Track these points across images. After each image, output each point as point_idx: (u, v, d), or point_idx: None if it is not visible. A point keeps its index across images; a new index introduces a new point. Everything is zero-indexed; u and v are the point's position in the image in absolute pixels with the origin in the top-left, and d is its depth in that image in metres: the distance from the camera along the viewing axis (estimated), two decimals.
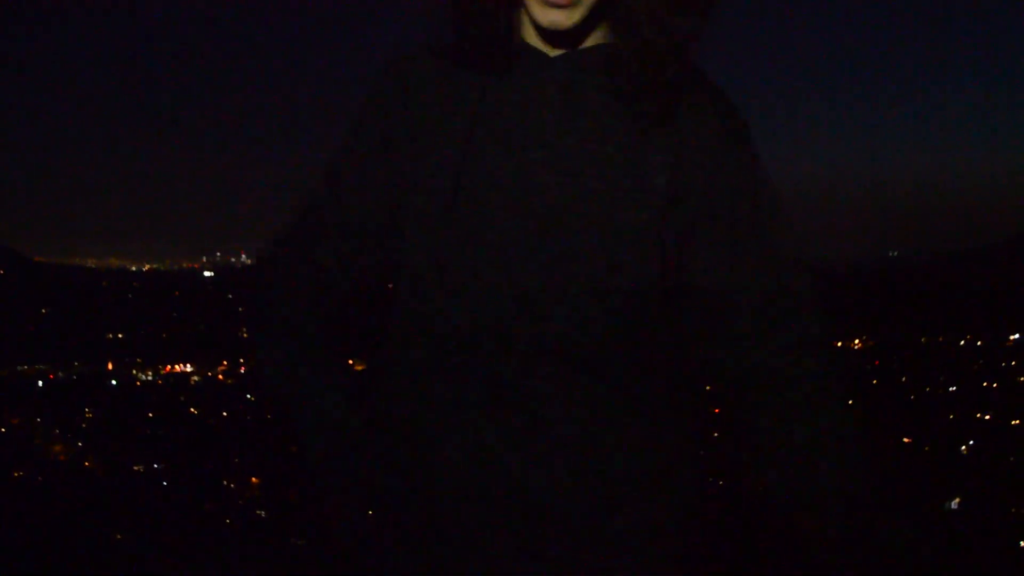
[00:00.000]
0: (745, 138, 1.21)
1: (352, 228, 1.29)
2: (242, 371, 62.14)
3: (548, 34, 1.20)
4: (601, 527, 1.16)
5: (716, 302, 1.21)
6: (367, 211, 1.28)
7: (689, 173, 1.16)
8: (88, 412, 50.11)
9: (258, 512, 36.06)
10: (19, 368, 63.44)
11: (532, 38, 1.22)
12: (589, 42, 1.20)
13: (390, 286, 1.29)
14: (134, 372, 63.16)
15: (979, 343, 61.26)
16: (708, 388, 1.30)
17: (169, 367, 64.04)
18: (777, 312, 1.20)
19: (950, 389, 49.61)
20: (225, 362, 63.85)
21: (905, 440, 41.09)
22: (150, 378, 62.21)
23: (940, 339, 63.26)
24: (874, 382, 52.60)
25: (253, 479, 39.49)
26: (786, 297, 1.20)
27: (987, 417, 43.95)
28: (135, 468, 41.05)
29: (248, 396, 53.35)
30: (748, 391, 1.23)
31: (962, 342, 62.23)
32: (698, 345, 1.24)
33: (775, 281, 1.20)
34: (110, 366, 64.39)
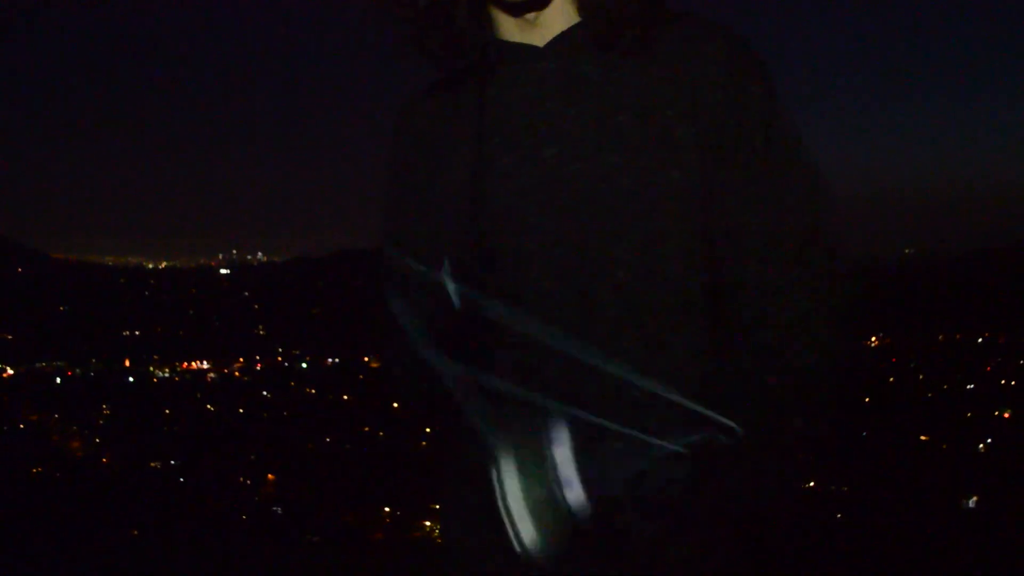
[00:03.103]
0: (756, 73, 1.14)
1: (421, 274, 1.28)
2: (258, 368, 62.39)
3: (524, 24, 1.19)
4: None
5: (727, 244, 1.14)
6: (423, 257, 1.25)
7: (706, 116, 1.11)
8: (105, 409, 50.42)
9: (274, 509, 36.20)
10: (37, 365, 63.81)
11: (513, 35, 1.21)
12: (560, 20, 1.18)
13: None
14: (151, 369, 63.46)
15: (997, 341, 60.94)
16: None
17: (186, 364, 64.32)
18: (780, 255, 1.12)
19: (967, 387, 49.39)
20: (241, 359, 64.13)
21: (922, 438, 40.94)
22: (167, 375, 62.51)
23: (957, 337, 62.96)
24: (891, 380, 52.41)
25: (269, 476, 39.65)
26: (790, 238, 1.12)
27: (1005, 415, 43.73)
28: (152, 464, 41.25)
29: (264, 393, 53.56)
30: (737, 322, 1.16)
31: (979, 340, 61.93)
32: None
33: (780, 222, 1.13)
34: (127, 363, 64.72)
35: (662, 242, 1.10)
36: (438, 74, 1.27)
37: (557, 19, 1.18)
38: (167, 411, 50.07)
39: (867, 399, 47.59)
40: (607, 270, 1.11)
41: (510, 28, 1.20)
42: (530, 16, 1.18)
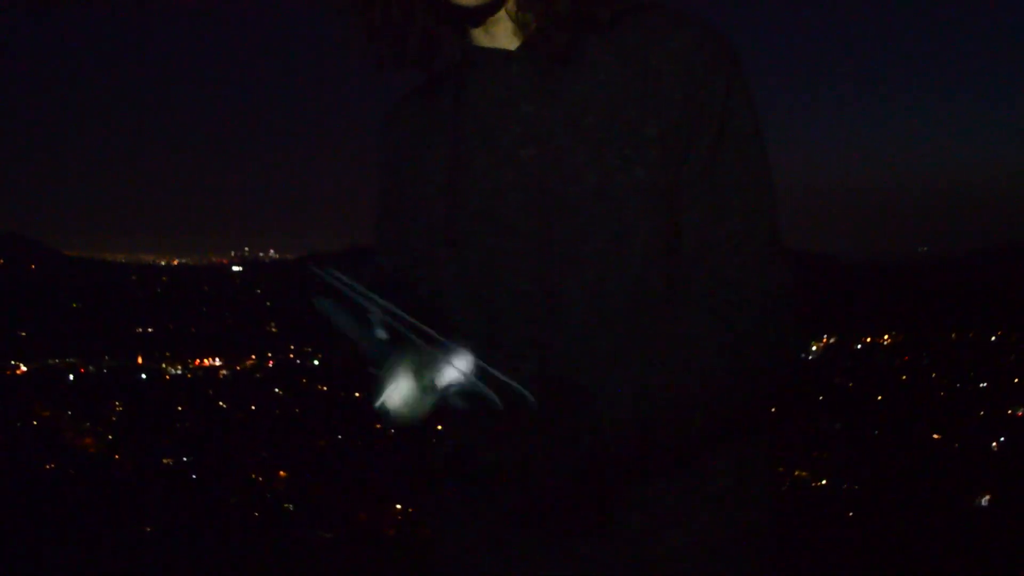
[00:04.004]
0: (717, 67, 1.13)
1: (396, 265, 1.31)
2: (270, 365, 62.50)
3: (488, 29, 1.20)
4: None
5: (680, 241, 1.14)
6: (400, 252, 1.30)
7: (668, 112, 1.12)
8: (118, 405, 50.54)
9: (286, 506, 36.27)
10: (50, 362, 64.00)
11: (483, 40, 1.22)
12: (515, 24, 1.19)
13: None
14: (163, 366, 63.60)
15: (1010, 339, 60.70)
16: None
17: (198, 361, 64.45)
18: (720, 252, 1.13)
19: (980, 385, 49.22)
20: (253, 356, 64.24)
21: (935, 436, 40.83)
22: (179, 372, 62.66)
23: (970, 335, 62.74)
24: (903, 378, 52.27)
25: (281, 472, 39.72)
26: (731, 236, 1.13)
27: (1019, 414, 43.58)
28: (164, 461, 41.37)
29: (276, 390, 53.65)
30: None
31: (993, 337, 61.71)
32: None
33: (722, 219, 1.13)
34: (140, 360, 64.87)
35: (628, 240, 1.11)
36: (420, 78, 1.29)
37: (518, 24, 1.19)
38: (179, 408, 50.19)
39: (880, 396, 47.52)
40: (575, 269, 1.12)
41: (478, 35, 1.22)
42: (490, 25, 1.20)
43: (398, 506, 34.60)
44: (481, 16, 1.19)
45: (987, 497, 32.58)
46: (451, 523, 1.29)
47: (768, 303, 1.13)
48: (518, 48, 1.19)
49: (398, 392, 0.96)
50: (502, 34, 1.20)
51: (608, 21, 1.15)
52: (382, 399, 0.96)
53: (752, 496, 1.21)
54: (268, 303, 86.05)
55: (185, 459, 41.31)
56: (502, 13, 1.18)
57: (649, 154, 1.11)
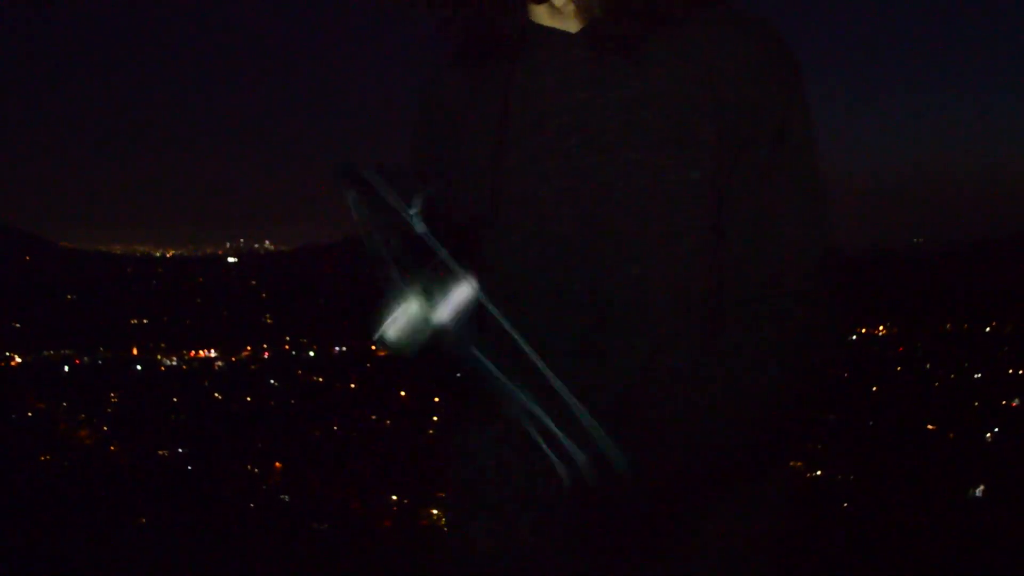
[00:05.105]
0: (779, 75, 1.12)
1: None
2: (265, 356, 62.43)
3: (553, 10, 1.18)
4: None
5: (728, 247, 1.13)
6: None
7: (725, 116, 1.10)
8: (113, 397, 50.49)
9: (281, 497, 36.27)
10: (45, 353, 63.92)
11: (544, 18, 1.19)
12: (588, 8, 1.16)
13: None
14: (159, 357, 63.50)
15: (1004, 330, 60.77)
16: None
17: (193, 352, 64.38)
18: (773, 261, 1.11)
19: (975, 376, 49.28)
20: (249, 347, 64.15)
21: (929, 427, 40.88)
22: (174, 363, 62.55)
23: (965, 326, 62.79)
24: (898, 369, 52.33)
25: (276, 464, 39.69)
26: (786, 245, 1.11)
27: (1012, 405, 43.65)
28: (160, 453, 41.33)
29: (271, 381, 53.61)
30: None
31: (987, 329, 61.78)
32: None
33: (776, 228, 1.11)
34: (135, 351, 64.79)
35: (677, 242, 1.10)
36: (462, 49, 1.25)
37: (584, 6, 1.16)
38: (175, 400, 50.13)
39: (874, 388, 47.57)
40: (620, 266, 1.11)
41: (540, 12, 1.19)
42: (558, 2, 1.17)
43: (393, 497, 34.60)
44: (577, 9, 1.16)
45: (981, 488, 32.64)
46: (470, 513, 1.27)
47: (818, 312, 1.11)
48: (579, 32, 1.16)
49: (397, 324, 0.97)
50: (566, 15, 1.17)
51: (681, 18, 1.12)
52: (381, 330, 0.97)
53: (771, 502, 1.22)
54: (263, 295, 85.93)
55: (180, 451, 41.27)
56: None
57: (704, 157, 1.09)
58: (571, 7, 1.16)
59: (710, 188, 1.09)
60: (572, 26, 1.18)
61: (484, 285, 1.13)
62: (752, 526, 1.19)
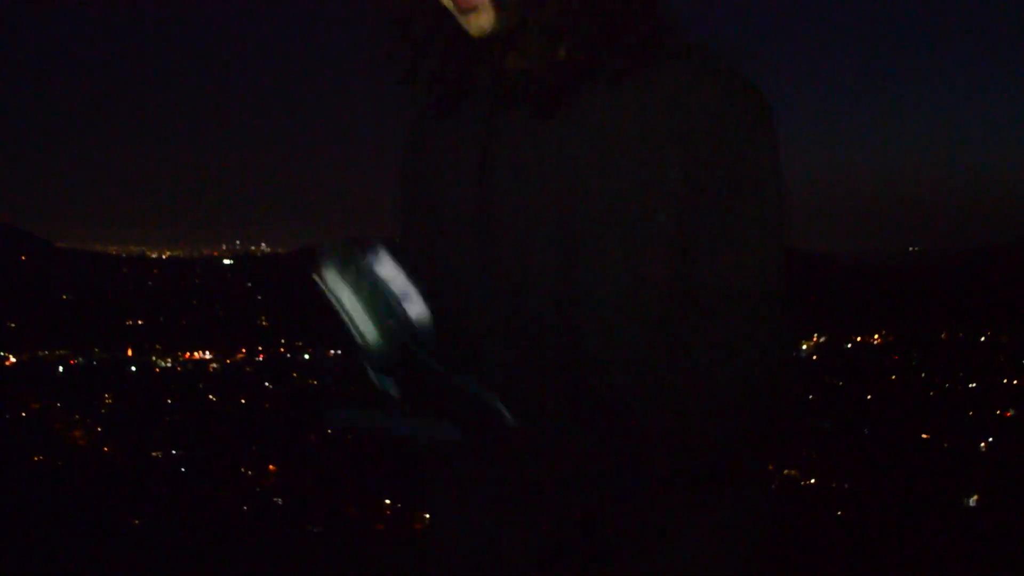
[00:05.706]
0: (743, 121, 1.12)
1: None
2: (260, 358, 62.44)
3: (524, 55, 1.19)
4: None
5: (686, 293, 1.14)
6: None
7: (691, 162, 1.11)
8: (107, 398, 50.48)
9: (275, 500, 36.27)
10: (39, 353, 63.92)
11: (513, 61, 1.20)
12: (540, 49, 1.16)
13: None
14: (153, 358, 63.53)
15: (999, 339, 60.92)
16: None
17: (188, 354, 64.40)
18: (724, 310, 1.13)
19: (969, 385, 49.39)
20: (244, 349, 64.18)
21: (923, 436, 40.95)
22: (169, 364, 62.58)
23: (960, 335, 62.95)
24: (893, 377, 52.42)
25: (270, 466, 39.70)
26: (738, 295, 1.13)
27: (1007, 414, 43.75)
28: (153, 454, 41.33)
29: (266, 383, 53.62)
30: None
31: (982, 338, 61.92)
32: None
33: (730, 276, 1.13)
34: (130, 352, 64.81)
35: (645, 286, 1.12)
36: (434, 97, 1.27)
37: (537, 47, 1.16)
38: (169, 401, 50.13)
39: (869, 396, 47.64)
40: (594, 308, 1.13)
41: (510, 56, 1.20)
42: (519, 44, 1.17)
43: (387, 501, 34.62)
44: (503, 41, 1.17)
45: (975, 497, 32.70)
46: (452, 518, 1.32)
47: (766, 360, 1.13)
48: (543, 71, 1.16)
49: (365, 329, 1.02)
50: (533, 56, 1.17)
51: (615, 76, 1.13)
52: (363, 337, 1.02)
53: (747, 510, 1.22)
54: (259, 297, 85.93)
55: (174, 452, 41.28)
56: (532, 36, 1.14)
57: (672, 202, 1.10)
58: (534, 50, 1.16)
59: (675, 233, 1.11)
60: (540, 67, 1.18)
61: (459, 334, 1.18)
62: (723, 535, 1.20)
